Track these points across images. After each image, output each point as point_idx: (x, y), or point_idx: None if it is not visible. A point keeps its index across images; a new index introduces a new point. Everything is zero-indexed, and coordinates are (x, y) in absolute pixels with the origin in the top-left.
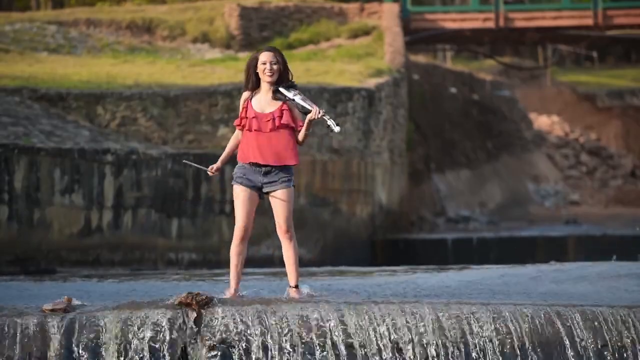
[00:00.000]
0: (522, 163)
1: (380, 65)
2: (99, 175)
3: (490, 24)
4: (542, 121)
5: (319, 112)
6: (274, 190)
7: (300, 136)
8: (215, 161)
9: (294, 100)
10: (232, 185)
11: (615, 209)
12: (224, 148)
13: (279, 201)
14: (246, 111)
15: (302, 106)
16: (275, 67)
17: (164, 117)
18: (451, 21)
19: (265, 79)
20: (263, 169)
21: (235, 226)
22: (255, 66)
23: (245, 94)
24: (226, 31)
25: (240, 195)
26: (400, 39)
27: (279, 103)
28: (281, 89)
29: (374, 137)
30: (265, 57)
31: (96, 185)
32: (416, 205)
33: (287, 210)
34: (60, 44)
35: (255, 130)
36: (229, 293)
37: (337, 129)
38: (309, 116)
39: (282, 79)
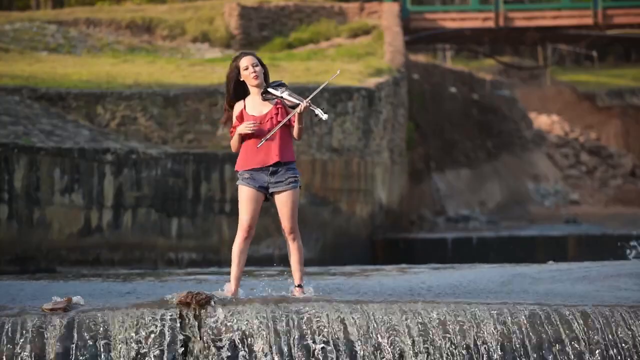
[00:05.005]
0: (522, 162)
1: (380, 64)
2: (98, 175)
3: (490, 24)
4: (542, 121)
5: (305, 103)
6: (280, 191)
7: (295, 130)
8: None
9: (282, 97)
10: (237, 186)
11: (615, 208)
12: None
13: (284, 202)
14: (242, 119)
15: (290, 101)
16: (257, 69)
17: (163, 116)
18: (451, 21)
19: (252, 82)
20: (270, 168)
21: (239, 226)
22: (238, 74)
23: (239, 105)
24: (226, 31)
25: (245, 195)
26: (400, 38)
27: (272, 103)
28: (270, 90)
29: (373, 137)
30: (245, 61)
31: (96, 184)
32: (416, 205)
33: (292, 212)
34: (60, 43)
35: (256, 137)
36: (228, 291)
37: (324, 116)
38: (296, 110)
39: (265, 79)
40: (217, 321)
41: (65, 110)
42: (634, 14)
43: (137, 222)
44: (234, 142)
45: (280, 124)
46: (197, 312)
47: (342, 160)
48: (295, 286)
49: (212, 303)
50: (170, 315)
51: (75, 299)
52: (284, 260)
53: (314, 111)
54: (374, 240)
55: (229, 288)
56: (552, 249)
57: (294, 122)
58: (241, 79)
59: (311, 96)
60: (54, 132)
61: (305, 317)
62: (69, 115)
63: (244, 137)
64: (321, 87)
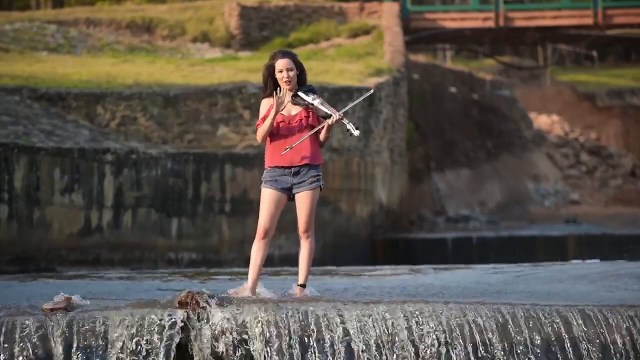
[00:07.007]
0: (522, 162)
1: (380, 64)
2: (98, 175)
3: (490, 24)
4: (542, 120)
5: (338, 116)
6: (301, 191)
7: (322, 138)
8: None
9: (313, 104)
10: (260, 188)
11: (615, 208)
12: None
13: (302, 201)
14: None
15: (322, 110)
16: (291, 73)
17: (163, 116)
18: (451, 21)
19: (284, 87)
20: (292, 169)
21: (258, 226)
22: (273, 73)
23: (268, 100)
24: (226, 30)
25: (266, 197)
26: (400, 38)
27: (301, 107)
28: (300, 94)
29: (374, 137)
30: (281, 65)
31: (96, 184)
32: (416, 205)
33: (308, 212)
34: (60, 43)
35: (283, 134)
36: (246, 288)
37: (356, 132)
38: (328, 121)
39: (300, 81)
40: (217, 321)
41: (65, 110)
42: (634, 14)
43: (137, 222)
44: (261, 131)
45: (309, 134)
46: (198, 312)
47: (342, 160)
48: (298, 285)
49: (213, 303)
50: (171, 315)
51: (75, 299)
52: (284, 261)
53: (345, 125)
54: (374, 240)
55: (246, 284)
56: (552, 249)
57: (321, 130)
58: (275, 76)
59: (344, 109)
60: (54, 132)
61: (305, 317)
62: (69, 115)
63: (271, 136)
64: (355, 102)
